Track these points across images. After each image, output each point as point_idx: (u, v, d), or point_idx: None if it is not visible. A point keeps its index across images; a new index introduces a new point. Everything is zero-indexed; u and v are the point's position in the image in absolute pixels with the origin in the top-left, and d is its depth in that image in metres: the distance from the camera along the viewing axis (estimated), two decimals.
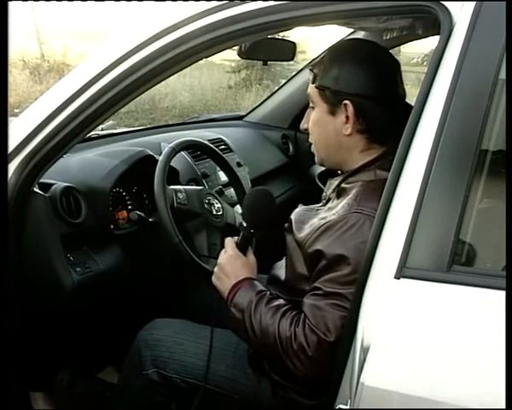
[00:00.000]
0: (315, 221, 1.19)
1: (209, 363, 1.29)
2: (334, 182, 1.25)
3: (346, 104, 1.17)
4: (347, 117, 1.18)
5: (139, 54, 1.20)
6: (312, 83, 1.23)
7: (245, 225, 1.30)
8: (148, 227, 1.69)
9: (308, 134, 1.28)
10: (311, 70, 1.25)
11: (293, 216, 1.29)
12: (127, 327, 1.49)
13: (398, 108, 1.19)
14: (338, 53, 1.23)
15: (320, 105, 1.22)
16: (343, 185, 1.22)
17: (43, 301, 1.48)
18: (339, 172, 1.29)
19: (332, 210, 1.18)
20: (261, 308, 1.17)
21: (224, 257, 1.28)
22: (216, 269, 1.28)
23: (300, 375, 1.14)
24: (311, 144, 1.29)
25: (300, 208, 1.32)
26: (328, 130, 1.22)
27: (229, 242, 1.30)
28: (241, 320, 1.19)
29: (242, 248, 1.29)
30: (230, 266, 1.26)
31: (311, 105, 1.26)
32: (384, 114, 1.17)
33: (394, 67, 1.23)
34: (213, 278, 1.28)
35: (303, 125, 1.29)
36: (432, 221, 0.91)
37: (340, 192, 1.22)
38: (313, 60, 2.42)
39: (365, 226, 1.07)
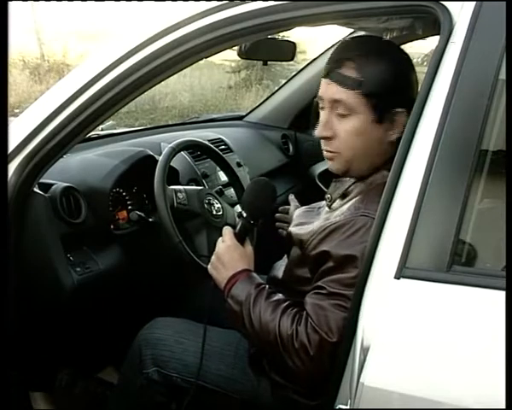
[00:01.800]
0: (318, 222, 1.18)
1: (202, 360, 1.28)
2: (341, 186, 1.23)
3: (398, 112, 1.13)
4: (392, 123, 1.14)
5: (139, 54, 1.20)
6: (356, 89, 1.12)
7: (244, 215, 1.29)
8: (148, 227, 1.69)
9: (323, 140, 1.18)
10: (337, 72, 1.13)
11: (294, 217, 1.28)
12: (127, 327, 1.49)
13: None
14: (376, 54, 1.14)
15: (364, 112, 1.13)
16: (350, 188, 1.21)
17: (43, 301, 1.48)
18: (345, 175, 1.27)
19: (336, 211, 1.17)
20: (260, 303, 1.16)
21: (221, 247, 1.26)
22: (213, 258, 1.26)
23: (300, 373, 1.13)
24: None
25: (301, 209, 1.32)
26: (372, 138, 1.15)
27: (228, 231, 1.28)
28: (238, 313, 1.18)
29: (240, 238, 1.27)
30: (228, 256, 1.24)
31: (342, 112, 1.14)
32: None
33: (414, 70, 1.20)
34: (209, 268, 1.26)
35: (324, 133, 1.17)
36: (432, 221, 0.91)
37: (345, 193, 1.21)
38: (313, 60, 2.42)
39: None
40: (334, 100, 1.15)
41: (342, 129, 1.15)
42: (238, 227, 1.29)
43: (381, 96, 1.12)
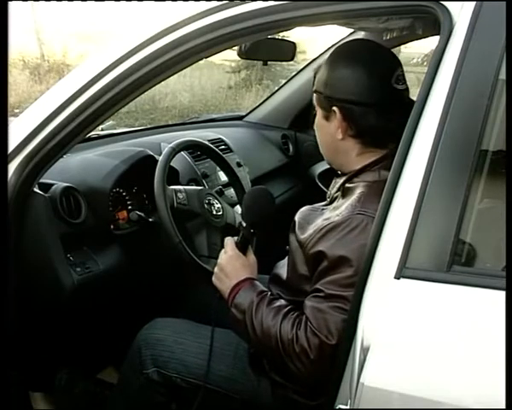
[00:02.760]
0: (318, 222, 1.19)
1: (210, 362, 1.29)
2: (339, 181, 1.26)
3: (334, 110, 1.18)
4: (338, 122, 1.19)
5: (139, 54, 1.20)
6: (313, 86, 1.25)
7: (244, 224, 1.30)
8: (148, 227, 1.69)
9: None
10: (314, 74, 1.26)
11: (297, 216, 1.28)
12: (127, 327, 1.49)
13: (395, 110, 1.16)
14: (333, 57, 1.23)
15: (318, 109, 1.25)
16: (348, 185, 1.21)
17: (43, 301, 1.48)
18: (339, 172, 1.29)
19: (336, 210, 1.18)
20: (262, 309, 1.17)
21: (223, 257, 1.28)
22: (216, 269, 1.29)
23: (301, 376, 1.14)
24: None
25: (305, 208, 1.31)
26: (325, 134, 1.25)
27: (229, 242, 1.30)
28: (242, 321, 1.19)
29: (242, 247, 1.29)
30: (230, 266, 1.26)
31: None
32: (377, 119, 1.16)
33: (392, 67, 1.19)
34: (213, 279, 1.29)
35: (313, 126, 1.31)
36: (432, 221, 0.91)
37: (345, 192, 1.22)
38: (313, 60, 2.43)
39: (368, 228, 1.05)
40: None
41: (315, 122, 1.28)
42: (239, 237, 1.30)
43: (322, 94, 1.21)
